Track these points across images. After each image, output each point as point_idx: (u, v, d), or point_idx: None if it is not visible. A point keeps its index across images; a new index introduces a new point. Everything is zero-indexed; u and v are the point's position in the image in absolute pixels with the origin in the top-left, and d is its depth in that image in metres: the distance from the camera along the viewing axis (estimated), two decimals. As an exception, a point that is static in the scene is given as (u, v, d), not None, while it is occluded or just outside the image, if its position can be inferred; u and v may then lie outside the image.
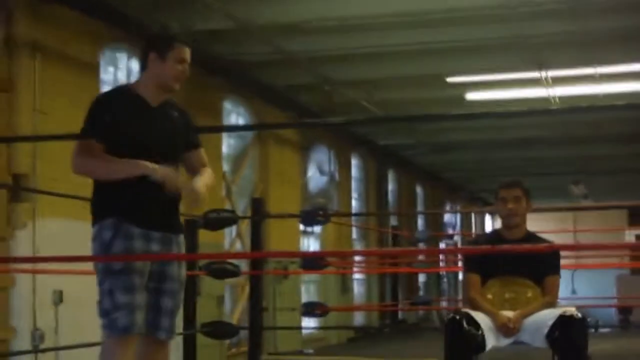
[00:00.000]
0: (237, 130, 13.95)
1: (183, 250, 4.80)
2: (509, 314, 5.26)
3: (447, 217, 27.27)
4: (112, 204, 4.47)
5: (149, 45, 4.61)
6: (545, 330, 5.10)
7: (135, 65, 11.17)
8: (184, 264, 4.76)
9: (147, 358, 4.60)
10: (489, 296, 5.40)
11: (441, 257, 20.77)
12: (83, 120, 4.55)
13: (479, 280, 5.45)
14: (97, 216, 4.52)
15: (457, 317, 5.07)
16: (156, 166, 4.43)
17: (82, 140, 4.54)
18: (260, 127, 15.69)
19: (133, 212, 4.47)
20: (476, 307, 5.30)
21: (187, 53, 4.61)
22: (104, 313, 4.40)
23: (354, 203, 18.90)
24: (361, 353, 9.41)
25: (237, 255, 8.10)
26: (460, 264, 13.32)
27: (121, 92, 4.71)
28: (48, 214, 8.84)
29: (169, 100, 4.71)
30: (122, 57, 10.98)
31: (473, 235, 24.11)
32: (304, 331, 15.38)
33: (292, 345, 13.76)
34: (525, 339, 5.28)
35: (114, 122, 4.44)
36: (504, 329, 5.18)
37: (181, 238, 4.72)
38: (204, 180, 4.66)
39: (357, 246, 18.58)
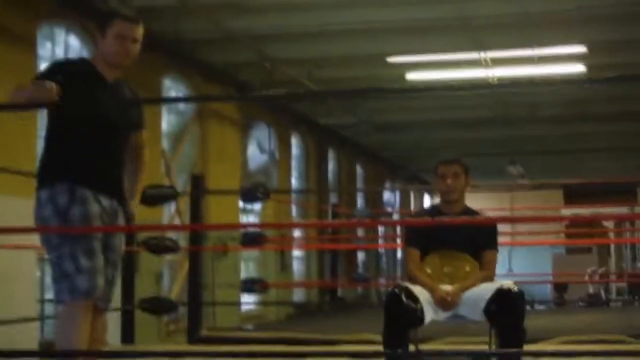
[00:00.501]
0: (173, 102, 13.88)
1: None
2: (447, 287, 5.33)
3: (386, 196, 27.41)
4: (65, 169, 4.48)
5: (95, 23, 4.72)
6: (483, 304, 5.16)
7: (73, 40, 11.06)
8: (124, 236, 4.85)
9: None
10: (428, 270, 5.47)
11: (380, 235, 20.92)
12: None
13: (419, 255, 5.52)
14: (48, 180, 4.50)
15: (396, 291, 5.12)
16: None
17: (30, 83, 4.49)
18: (195, 99, 15.48)
19: (87, 177, 4.49)
20: (415, 281, 5.36)
21: (129, 29, 4.62)
22: (64, 275, 4.39)
23: (293, 182, 18.91)
24: (300, 329, 9.45)
25: (175, 227, 8.10)
26: (398, 242, 13.45)
27: (80, 62, 4.81)
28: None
29: (121, 78, 4.77)
30: (60, 33, 10.86)
31: (412, 211, 24.25)
32: (243, 308, 15.40)
33: (231, 321, 13.74)
34: (464, 312, 5.34)
35: (67, 84, 4.40)
36: (443, 302, 5.25)
37: (129, 211, 4.76)
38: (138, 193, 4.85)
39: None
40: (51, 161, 4.54)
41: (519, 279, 21.84)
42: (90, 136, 4.53)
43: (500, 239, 5.94)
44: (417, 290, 5.23)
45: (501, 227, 6.36)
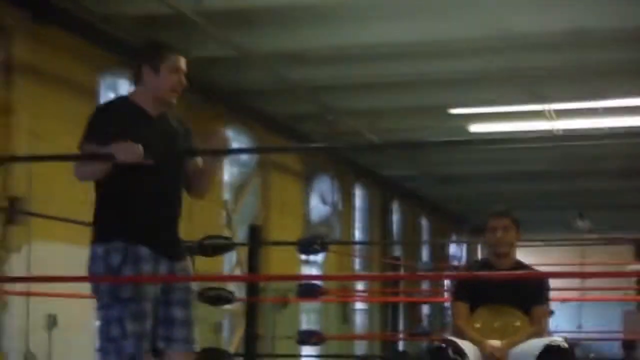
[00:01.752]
0: (235, 154, 13.94)
1: (189, 265, 4.72)
2: (496, 343, 5.21)
3: (452, 249, 27.18)
4: (120, 225, 4.36)
5: (141, 58, 4.51)
6: (532, 360, 5.05)
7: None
8: (189, 271, 4.65)
9: None
10: (477, 325, 5.37)
11: (445, 288, 20.66)
12: (83, 131, 4.46)
13: (467, 309, 5.42)
14: (102, 237, 4.40)
15: (443, 346, 5.03)
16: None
17: (84, 149, 4.43)
18: (257, 150, 15.55)
19: (141, 235, 4.36)
20: (463, 336, 5.26)
21: (180, 61, 4.49)
22: (111, 339, 4.31)
23: (357, 234, 18.83)
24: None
25: (230, 278, 8.06)
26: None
27: (120, 102, 4.62)
28: (43, 238, 8.81)
29: (167, 113, 4.60)
30: (122, 83, 11.00)
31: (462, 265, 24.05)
32: (303, 360, 15.28)
33: (291, 375, 13.67)
34: (512, 369, 5.23)
35: (115, 130, 4.29)
36: (491, 358, 5.14)
37: (185, 264, 4.61)
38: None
39: (360, 276, 18.51)
40: (105, 214, 4.42)
41: (588, 335, 21.47)
42: (143, 181, 4.37)
43: (569, 295, 5.84)
44: (465, 345, 5.12)
45: (570, 283, 6.24)
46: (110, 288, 4.31)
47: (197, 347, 4.58)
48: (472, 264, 10.11)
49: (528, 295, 5.38)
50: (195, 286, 8.46)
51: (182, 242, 4.66)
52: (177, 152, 4.59)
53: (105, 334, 4.34)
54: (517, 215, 5.62)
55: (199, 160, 4.67)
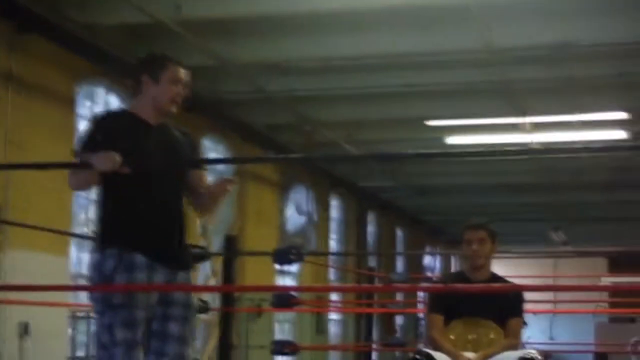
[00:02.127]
0: (213, 164, 13.91)
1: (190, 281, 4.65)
2: (470, 355, 5.24)
3: (427, 261, 27.24)
4: (115, 234, 4.31)
5: (141, 68, 4.49)
6: (506, 373, 5.07)
7: (113, 100, 11.17)
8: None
9: None
10: (452, 337, 5.39)
11: (419, 299, 20.67)
12: (80, 140, 4.43)
13: (442, 320, 5.45)
14: (99, 245, 4.36)
15: (418, 357, 5.05)
16: None
17: (77, 158, 4.39)
18: (232, 160, 15.46)
19: (137, 242, 4.29)
20: (437, 347, 5.28)
21: (180, 72, 4.48)
22: (102, 346, 4.28)
23: (332, 244, 18.85)
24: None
25: (204, 289, 8.04)
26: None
27: (119, 113, 4.66)
28: (18, 246, 8.77)
29: (167, 122, 4.57)
30: (99, 92, 10.98)
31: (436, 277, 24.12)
32: (277, 371, 15.26)
33: (265, 385, 13.65)
34: (487, 380, 5.25)
35: (109, 140, 4.24)
36: None
37: (187, 275, 4.53)
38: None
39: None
40: (104, 225, 4.39)
41: (560, 347, 21.56)
42: (141, 191, 4.33)
43: (542, 307, 5.87)
44: (440, 357, 5.15)
45: (543, 295, 6.26)
46: (102, 295, 4.27)
47: None
48: (446, 276, 10.14)
49: (503, 307, 5.40)
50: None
51: (187, 252, 4.58)
52: (177, 161, 4.55)
53: (98, 341, 4.31)
54: (493, 227, 5.64)
55: (210, 182, 4.62)
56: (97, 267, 4.32)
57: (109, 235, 4.32)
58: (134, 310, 4.23)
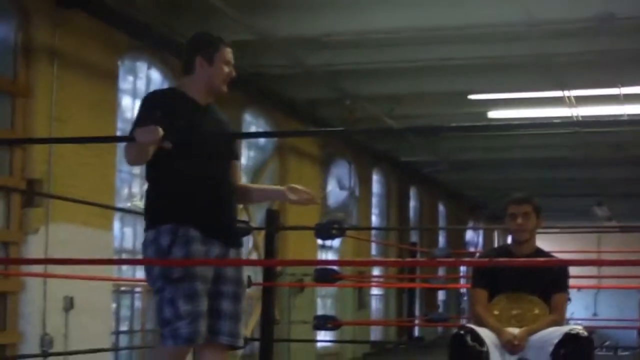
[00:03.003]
0: (254, 137, 13.92)
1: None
2: (514, 330, 5.18)
3: (469, 236, 27.14)
4: (170, 210, 4.30)
5: (195, 49, 4.51)
6: (551, 349, 5.00)
7: (154, 74, 11.19)
8: (242, 268, 4.59)
9: None
10: (496, 312, 5.33)
11: (461, 274, 20.62)
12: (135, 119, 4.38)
13: (486, 296, 5.38)
14: (153, 222, 4.34)
15: (462, 333, 5.00)
16: None
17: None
18: (272, 134, 15.49)
19: (193, 217, 4.29)
20: (481, 323, 5.23)
21: (230, 53, 4.55)
22: (165, 323, 4.23)
23: (374, 219, 18.82)
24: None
25: (247, 262, 8.00)
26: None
27: (170, 92, 4.65)
28: (61, 220, 8.84)
29: (214, 103, 4.60)
30: (141, 67, 11.00)
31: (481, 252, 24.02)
32: (319, 346, 15.31)
33: (307, 359, 13.70)
34: (531, 356, 5.18)
35: (166, 118, 4.18)
36: (509, 345, 5.11)
37: (238, 252, 4.54)
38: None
39: (376, 262, 18.53)
40: (157, 201, 4.37)
41: (604, 323, 21.40)
42: (195, 168, 4.34)
43: (586, 282, 5.78)
44: (484, 332, 5.09)
45: (587, 271, 6.18)
46: (161, 270, 4.24)
47: (242, 342, 4.45)
48: (491, 251, 10.05)
49: (548, 282, 5.33)
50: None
51: (238, 230, 4.60)
52: (228, 140, 4.62)
53: (160, 318, 4.27)
54: (538, 201, 5.57)
55: (288, 192, 4.60)
56: (153, 242, 4.30)
57: (164, 211, 4.30)
58: (194, 282, 4.21)
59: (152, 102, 4.43)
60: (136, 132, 4.09)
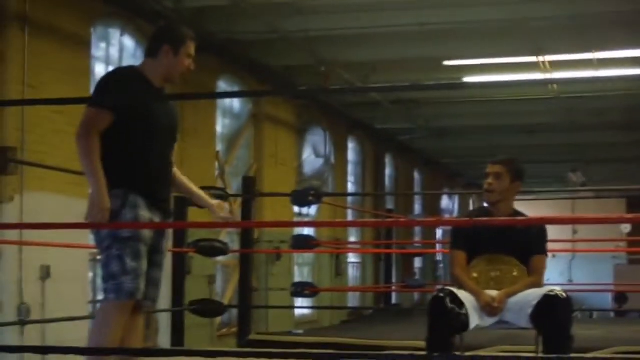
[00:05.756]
0: (223, 98, 13.83)
1: (170, 233, 5.22)
2: (493, 292, 5.18)
3: (444, 203, 27.21)
4: (122, 177, 4.61)
5: (164, 38, 4.81)
6: (530, 310, 5.01)
7: (128, 41, 11.08)
8: (169, 238, 5.05)
9: (132, 323, 4.72)
10: (475, 275, 5.32)
11: (437, 241, 20.72)
12: (96, 91, 4.68)
13: (465, 258, 5.38)
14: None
15: (441, 296, 4.99)
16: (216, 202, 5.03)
17: (94, 111, 4.59)
18: (243, 94, 15.35)
19: (141, 186, 4.64)
20: (460, 285, 5.23)
21: (194, 48, 4.85)
22: (111, 277, 4.55)
23: (350, 186, 18.81)
24: (350, 334, 9.33)
25: (223, 225, 7.96)
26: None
27: (132, 72, 4.85)
28: (35, 188, 8.77)
29: (164, 88, 4.95)
30: (114, 33, 10.89)
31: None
32: (297, 313, 15.33)
33: (285, 326, 13.70)
34: (510, 318, 5.19)
35: (128, 98, 4.63)
36: (488, 308, 5.11)
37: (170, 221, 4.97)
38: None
39: (352, 230, 18.50)
40: (110, 167, 4.60)
41: (579, 287, 21.59)
42: (147, 144, 4.67)
43: (561, 247, 5.76)
44: (463, 295, 5.09)
45: (562, 236, 6.15)
46: (111, 230, 4.56)
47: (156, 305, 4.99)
48: (470, 212, 10.06)
49: (526, 244, 5.32)
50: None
51: (170, 203, 4.99)
52: (177, 125, 4.98)
53: (106, 272, 4.59)
54: (518, 165, 5.53)
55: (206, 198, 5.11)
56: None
57: (116, 178, 4.58)
58: (140, 243, 4.59)
59: (114, 80, 4.74)
60: (93, 209, 4.46)
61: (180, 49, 4.76)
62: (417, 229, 22.85)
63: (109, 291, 4.56)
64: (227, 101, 13.89)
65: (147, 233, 4.62)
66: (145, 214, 4.62)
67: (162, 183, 4.82)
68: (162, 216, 4.77)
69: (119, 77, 4.80)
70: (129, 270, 4.52)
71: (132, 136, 4.63)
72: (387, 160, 21.37)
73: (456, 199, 28.40)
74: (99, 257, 4.77)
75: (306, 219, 16.25)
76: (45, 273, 8.87)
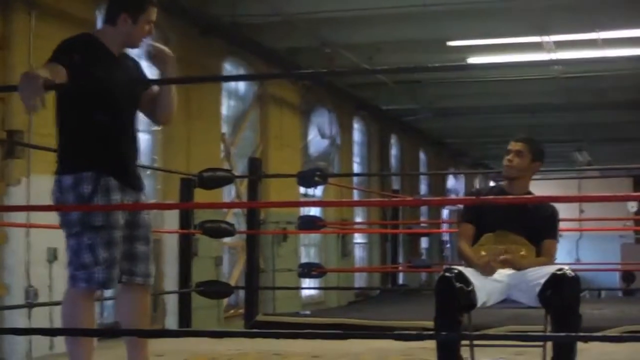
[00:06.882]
0: (227, 80, 13.81)
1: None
2: (502, 271, 5.19)
3: (450, 183, 27.20)
4: (90, 158, 4.48)
5: (122, 4, 4.61)
6: (538, 289, 5.01)
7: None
8: (150, 212, 4.87)
9: (132, 303, 4.69)
10: (482, 252, 5.33)
11: (443, 221, 20.74)
12: (52, 53, 4.49)
13: (472, 230, 5.40)
14: (72, 167, 4.49)
15: (447, 274, 5.00)
16: None
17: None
18: (249, 77, 15.36)
19: (111, 165, 4.50)
20: (461, 255, 5.27)
21: (155, 13, 4.66)
22: (81, 267, 4.44)
23: (355, 167, 18.82)
24: (357, 315, 9.37)
25: (230, 205, 8.00)
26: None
27: (88, 39, 4.66)
28: (42, 171, 8.76)
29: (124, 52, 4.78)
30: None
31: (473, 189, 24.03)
32: (304, 294, 15.37)
33: (292, 307, 13.74)
34: (518, 297, 5.20)
35: (83, 64, 4.41)
36: (487, 268, 5.12)
37: (145, 196, 4.81)
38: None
39: (359, 210, 18.51)
40: (73, 146, 4.52)
41: (586, 266, 21.59)
42: (111, 120, 4.54)
43: (569, 225, 5.77)
44: (470, 273, 5.10)
45: (569, 215, 6.15)
46: (81, 216, 4.44)
47: (152, 280, 4.80)
48: (483, 188, 10.09)
49: (537, 226, 5.32)
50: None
51: (140, 176, 4.85)
52: (136, 90, 4.76)
53: (76, 261, 4.47)
54: (540, 146, 5.57)
55: (154, 88, 4.85)
56: (72, 188, 4.47)
57: (85, 159, 4.48)
58: (113, 231, 4.46)
59: (70, 47, 4.51)
60: (22, 83, 4.16)
61: (140, 17, 4.58)
62: (424, 209, 22.85)
63: (79, 279, 4.45)
64: (233, 83, 13.89)
65: (119, 218, 4.50)
66: (117, 197, 4.49)
67: (132, 157, 4.69)
68: (134, 193, 4.64)
69: (72, 41, 4.57)
70: (100, 261, 4.42)
71: (95, 114, 4.48)
72: (393, 140, 21.37)
73: (462, 179, 28.37)
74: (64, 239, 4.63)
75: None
76: (52, 255, 8.89)
